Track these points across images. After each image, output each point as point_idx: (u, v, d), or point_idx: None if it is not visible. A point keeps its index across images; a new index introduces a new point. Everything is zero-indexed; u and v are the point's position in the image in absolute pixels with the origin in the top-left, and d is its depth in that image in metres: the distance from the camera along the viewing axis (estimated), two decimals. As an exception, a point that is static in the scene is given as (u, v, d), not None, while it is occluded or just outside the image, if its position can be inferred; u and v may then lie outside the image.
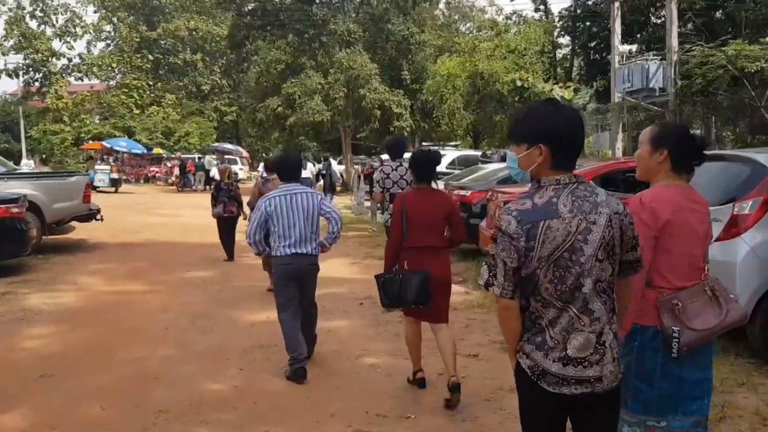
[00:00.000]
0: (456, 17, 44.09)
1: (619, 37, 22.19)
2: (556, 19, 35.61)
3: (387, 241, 4.71)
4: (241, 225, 10.76)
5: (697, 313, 2.61)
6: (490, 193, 8.75)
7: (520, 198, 2.23)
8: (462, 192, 10.11)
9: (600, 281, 2.18)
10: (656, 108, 19.84)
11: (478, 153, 18.09)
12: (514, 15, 36.64)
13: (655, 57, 20.39)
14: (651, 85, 19.93)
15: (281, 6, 30.41)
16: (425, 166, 4.70)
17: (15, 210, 9.05)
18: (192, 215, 18.07)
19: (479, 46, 29.17)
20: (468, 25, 43.71)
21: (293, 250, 5.04)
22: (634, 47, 22.08)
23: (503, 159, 14.55)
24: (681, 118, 19.33)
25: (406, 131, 29.58)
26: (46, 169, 31.65)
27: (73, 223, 13.22)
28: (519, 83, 26.90)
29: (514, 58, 28.45)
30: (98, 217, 12.55)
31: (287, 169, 5.35)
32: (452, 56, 29.24)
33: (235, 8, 31.23)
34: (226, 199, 10.60)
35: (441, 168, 17.09)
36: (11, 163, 15.61)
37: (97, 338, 6.12)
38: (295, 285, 5.12)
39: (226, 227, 10.68)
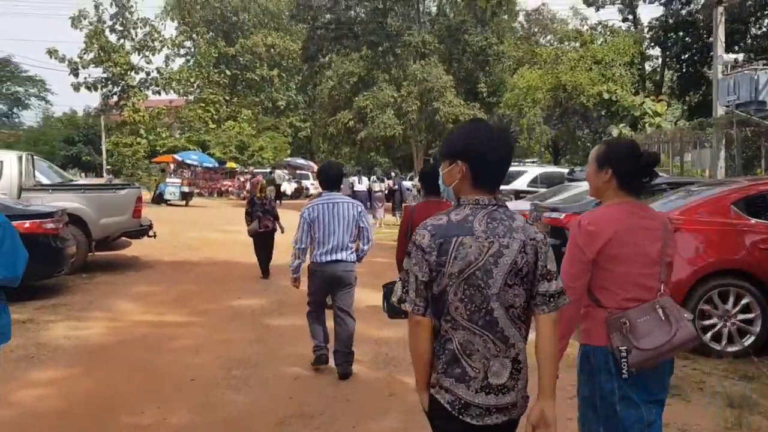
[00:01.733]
0: (536, 30, 42.30)
1: (723, 45, 20.09)
2: (646, 30, 33.44)
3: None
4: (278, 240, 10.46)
5: (647, 332, 2.51)
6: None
7: (438, 214, 2.22)
8: (553, 214, 8.57)
9: (513, 307, 2.14)
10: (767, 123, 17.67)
11: (563, 170, 16.44)
12: (600, 25, 34.63)
13: (766, 66, 18.24)
14: (761, 98, 17.77)
15: (356, 18, 29.60)
16: (433, 179, 4.67)
17: (50, 225, 8.14)
18: (256, 232, 17.19)
19: (562, 57, 27.49)
20: (548, 37, 41.86)
21: (330, 257, 5.22)
22: (740, 56, 19.90)
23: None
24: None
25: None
26: (116, 181, 31.82)
27: (127, 239, 12.43)
28: (606, 96, 25.04)
29: (600, 69, 26.59)
30: (150, 233, 11.66)
31: (328, 179, 5.47)
32: (532, 68, 27.58)
33: (309, 20, 30.62)
34: (260, 213, 10.17)
35: (522, 186, 15.70)
36: (68, 174, 15.01)
37: (106, 390, 4.98)
38: (327, 289, 5.42)
39: (263, 243, 10.30)
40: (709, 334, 5.69)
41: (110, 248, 11.77)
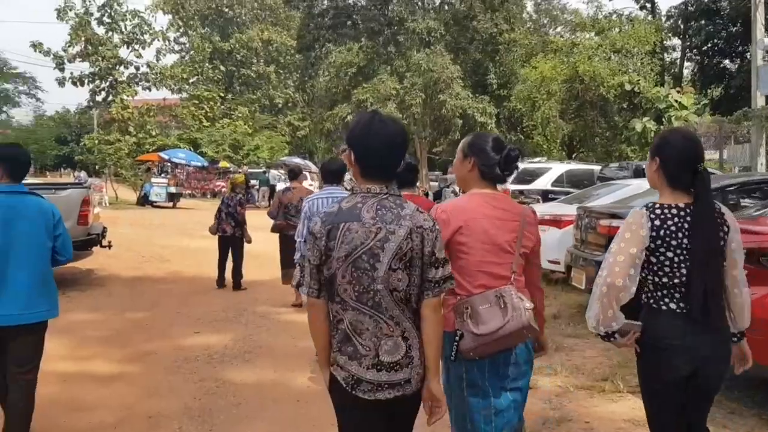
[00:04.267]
0: (545, 21, 40.09)
1: (763, 28, 18.01)
2: (664, 19, 31.32)
3: None
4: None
5: (486, 318, 2.54)
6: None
7: (333, 203, 2.43)
8: (615, 222, 6.41)
9: (396, 291, 2.24)
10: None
11: (593, 167, 14.26)
12: (615, 14, 32.48)
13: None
14: (809, 86, 15.71)
15: (354, 5, 27.50)
16: (406, 171, 4.19)
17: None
18: (242, 237, 15.14)
19: (579, 46, 25.41)
20: (558, 29, 39.63)
21: None
22: (784, 39, 17.79)
23: (638, 174, 10.82)
24: None
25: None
26: (96, 181, 29.73)
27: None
28: (628, 87, 22.94)
29: (620, 59, 24.54)
30: (103, 243, 9.56)
31: (328, 173, 5.69)
32: (547, 57, 25.45)
33: (304, 7, 28.48)
34: (223, 215, 9.03)
35: (545, 185, 13.58)
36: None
37: None
38: None
39: (223, 248, 9.12)
40: None
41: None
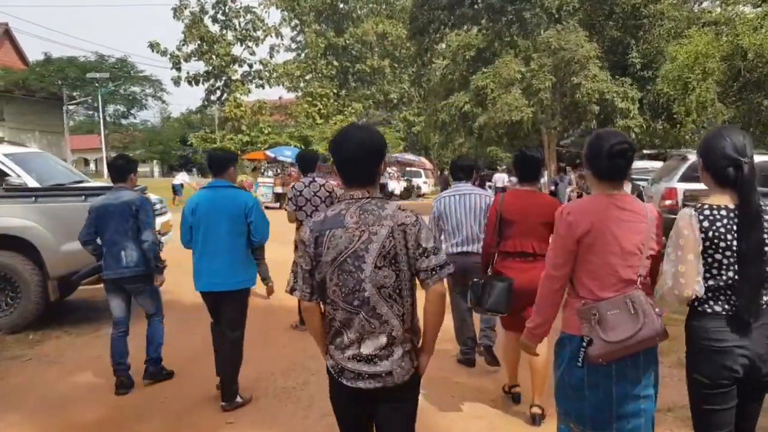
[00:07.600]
0: (691, -6, 35.43)
1: None
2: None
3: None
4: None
5: (615, 324, 2.50)
6: None
7: (320, 212, 2.61)
8: None
9: (384, 287, 2.38)
10: None
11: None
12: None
13: None
14: None
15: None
16: (527, 165, 4.44)
17: None
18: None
19: (740, 15, 21.40)
20: (705, 4, 34.91)
21: (459, 249, 5.18)
22: None
23: None
24: None
25: (634, 132, 22.43)
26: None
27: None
28: (807, 62, 18.83)
29: (792, 28, 20.32)
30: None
31: (459, 170, 5.55)
32: (701, 30, 21.58)
33: (417, -12, 26.07)
34: None
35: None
36: (80, 173, 11.22)
37: None
38: (461, 279, 4.99)
39: None
40: None
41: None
